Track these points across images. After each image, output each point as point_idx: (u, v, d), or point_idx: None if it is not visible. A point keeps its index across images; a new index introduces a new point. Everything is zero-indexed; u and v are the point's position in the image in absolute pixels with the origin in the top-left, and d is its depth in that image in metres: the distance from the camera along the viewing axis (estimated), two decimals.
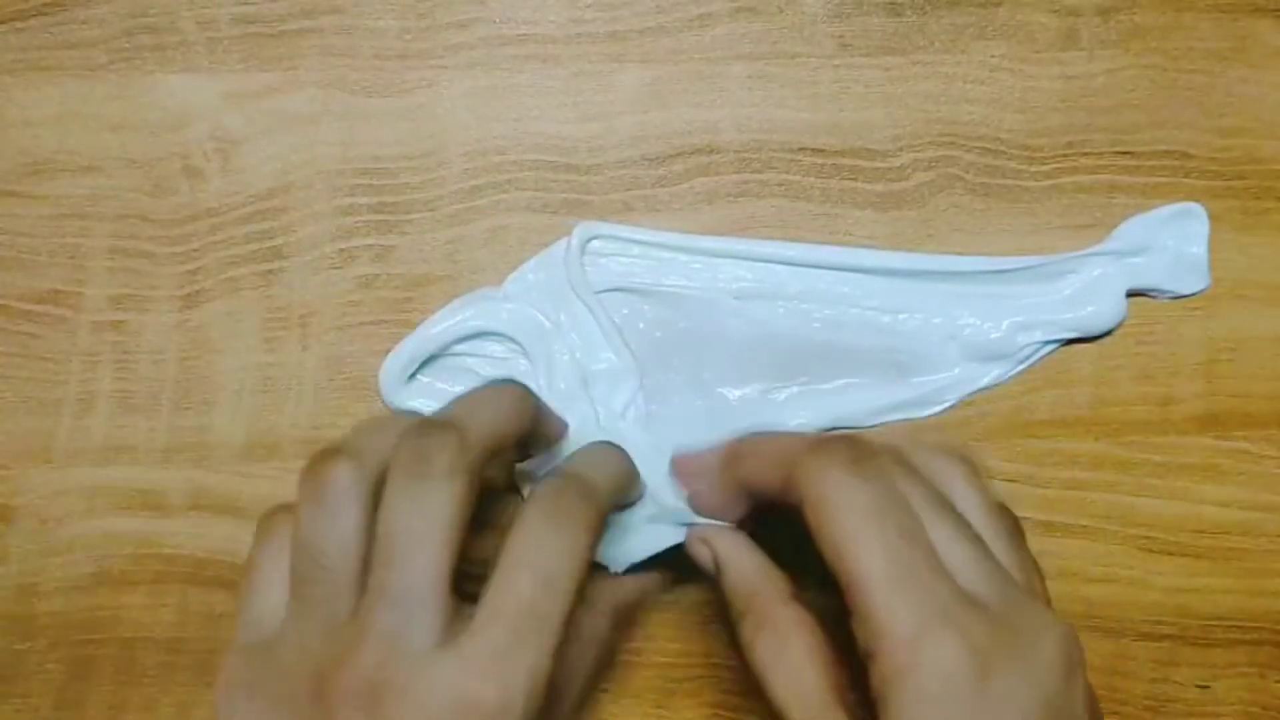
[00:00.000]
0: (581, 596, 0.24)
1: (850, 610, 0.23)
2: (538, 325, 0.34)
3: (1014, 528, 0.27)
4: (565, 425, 0.31)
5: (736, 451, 0.28)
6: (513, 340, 0.34)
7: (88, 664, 0.33)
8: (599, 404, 0.33)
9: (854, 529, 0.23)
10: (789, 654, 0.25)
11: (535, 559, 0.23)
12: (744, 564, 0.28)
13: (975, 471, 0.27)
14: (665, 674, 0.33)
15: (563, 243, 0.34)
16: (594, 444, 0.29)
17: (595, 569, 0.29)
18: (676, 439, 0.32)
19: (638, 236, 0.34)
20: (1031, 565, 0.26)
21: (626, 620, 0.30)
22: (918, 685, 0.22)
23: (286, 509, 0.26)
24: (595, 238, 0.34)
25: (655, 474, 0.31)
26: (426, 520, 0.23)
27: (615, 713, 0.33)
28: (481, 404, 0.26)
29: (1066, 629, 0.24)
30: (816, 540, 0.24)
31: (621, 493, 0.28)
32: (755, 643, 0.26)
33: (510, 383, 0.28)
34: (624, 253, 0.34)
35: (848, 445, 0.25)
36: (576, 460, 0.28)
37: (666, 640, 0.33)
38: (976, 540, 0.25)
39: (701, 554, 0.29)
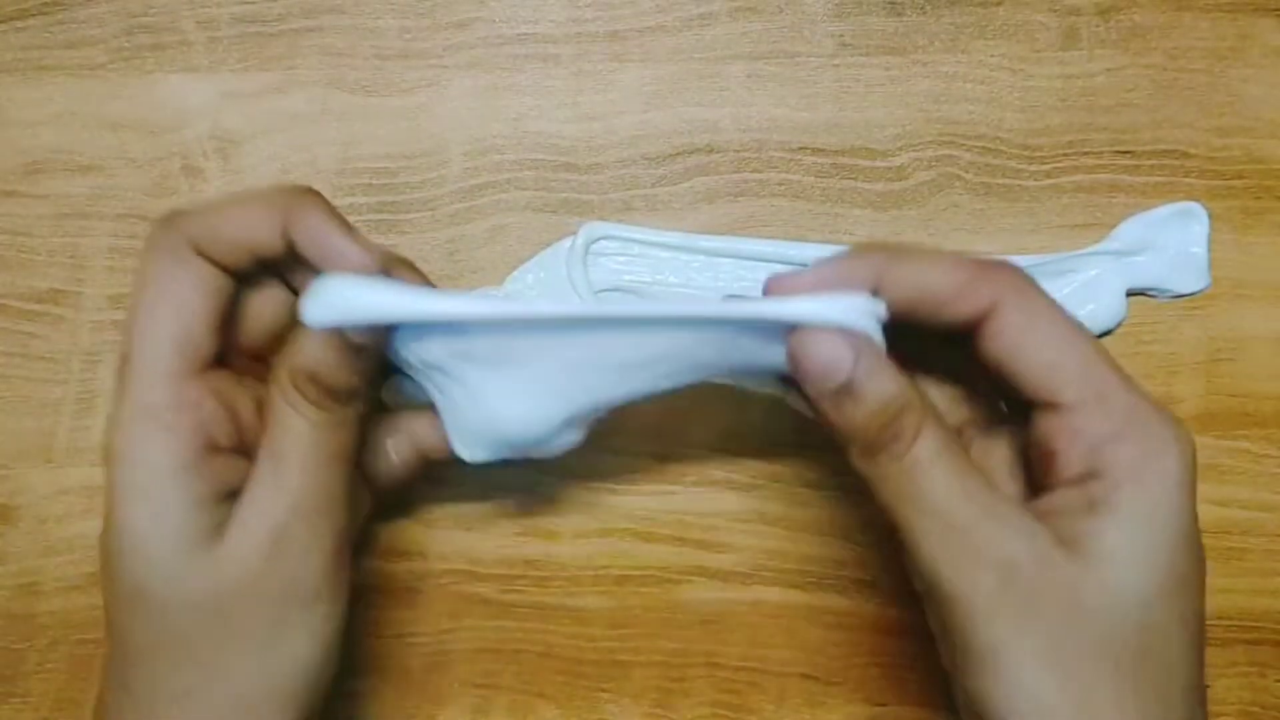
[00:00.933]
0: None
1: (1068, 406, 0.24)
2: None
3: None
4: (370, 259, 0.25)
5: (891, 253, 0.25)
6: None
7: (88, 664, 0.33)
8: None
9: (1070, 331, 0.25)
10: (951, 453, 0.24)
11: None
12: (893, 374, 0.24)
13: None
14: (665, 674, 0.33)
15: (563, 242, 0.34)
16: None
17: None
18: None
19: (640, 236, 0.34)
20: None
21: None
22: (1176, 461, 0.23)
23: None
24: (601, 238, 0.34)
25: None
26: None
27: (615, 713, 0.33)
28: (229, 202, 0.26)
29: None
30: (1016, 344, 0.24)
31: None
32: (914, 447, 0.23)
33: (280, 194, 0.26)
34: (624, 252, 0.34)
35: (1015, 267, 0.26)
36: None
37: (666, 640, 0.33)
38: None
39: (837, 354, 0.23)
